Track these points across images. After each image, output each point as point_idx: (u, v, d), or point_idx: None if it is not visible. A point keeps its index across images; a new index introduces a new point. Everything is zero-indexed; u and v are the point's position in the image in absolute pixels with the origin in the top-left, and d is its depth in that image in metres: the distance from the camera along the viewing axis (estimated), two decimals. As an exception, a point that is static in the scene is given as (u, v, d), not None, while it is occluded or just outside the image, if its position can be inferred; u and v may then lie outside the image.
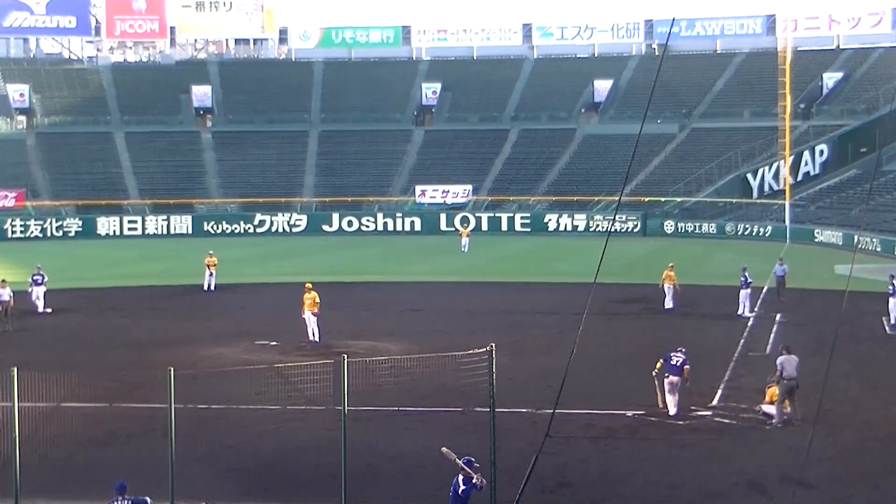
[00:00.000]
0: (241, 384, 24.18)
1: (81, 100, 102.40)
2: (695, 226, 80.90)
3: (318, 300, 34.53)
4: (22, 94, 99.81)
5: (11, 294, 38.47)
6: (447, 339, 33.03)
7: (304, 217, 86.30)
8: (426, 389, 24.98)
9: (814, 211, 77.66)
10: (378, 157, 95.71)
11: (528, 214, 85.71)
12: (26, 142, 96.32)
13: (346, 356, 17.85)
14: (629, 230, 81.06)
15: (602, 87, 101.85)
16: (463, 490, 15.24)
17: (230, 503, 18.35)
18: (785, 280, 44.04)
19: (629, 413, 24.29)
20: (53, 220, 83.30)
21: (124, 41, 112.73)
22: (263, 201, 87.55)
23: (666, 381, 24.11)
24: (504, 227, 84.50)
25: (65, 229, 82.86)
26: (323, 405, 22.09)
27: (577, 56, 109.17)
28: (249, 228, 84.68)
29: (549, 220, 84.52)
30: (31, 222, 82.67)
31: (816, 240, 70.85)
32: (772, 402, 23.77)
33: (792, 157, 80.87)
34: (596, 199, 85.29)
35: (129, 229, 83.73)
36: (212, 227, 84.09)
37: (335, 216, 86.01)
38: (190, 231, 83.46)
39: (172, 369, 17.00)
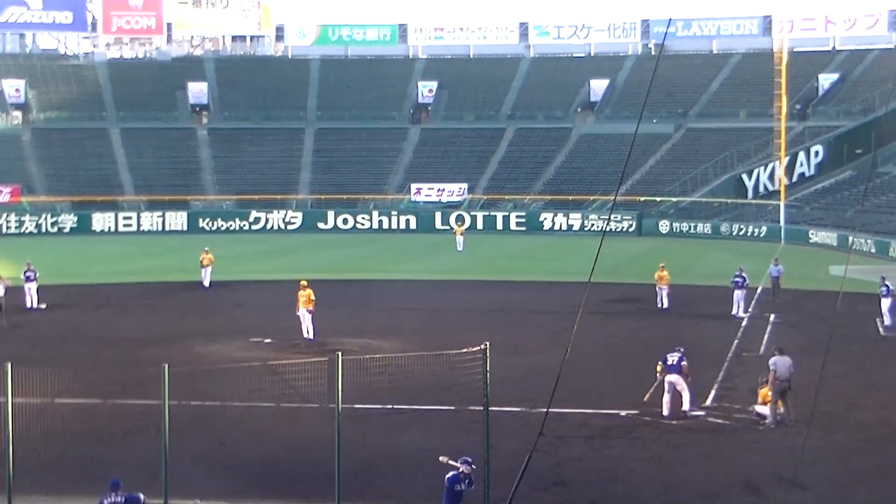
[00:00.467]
0: (236, 381, 24.16)
1: (77, 96, 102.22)
2: (690, 226, 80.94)
3: (313, 297, 34.56)
4: (18, 90, 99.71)
5: (6, 288, 38.47)
6: (442, 338, 33.03)
7: (300, 214, 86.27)
8: (421, 388, 24.98)
9: (809, 212, 77.76)
10: (374, 154, 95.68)
11: (524, 213, 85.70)
12: (22, 137, 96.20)
13: (340, 354, 17.87)
14: (624, 230, 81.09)
15: (598, 86, 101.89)
16: (458, 487, 15.37)
17: (224, 500, 18.35)
18: (779, 281, 44.12)
19: (623, 412, 24.31)
20: (48, 216, 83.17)
21: (121, 37, 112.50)
22: (259, 198, 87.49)
23: (665, 380, 24.10)
24: (499, 225, 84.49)
25: (60, 225, 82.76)
26: (317, 403, 22.08)
27: (574, 55, 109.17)
28: (245, 225, 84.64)
29: (545, 219, 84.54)
30: (26, 218, 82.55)
31: (811, 241, 70.92)
32: (765, 403, 23.81)
33: (787, 158, 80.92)
34: (591, 198, 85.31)
35: (125, 226, 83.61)
36: (207, 224, 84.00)
37: (330, 214, 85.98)
38: (185, 228, 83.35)
39: (167, 366, 17.01)
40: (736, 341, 34.20)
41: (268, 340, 34.03)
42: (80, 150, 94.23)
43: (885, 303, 37.68)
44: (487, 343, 17.98)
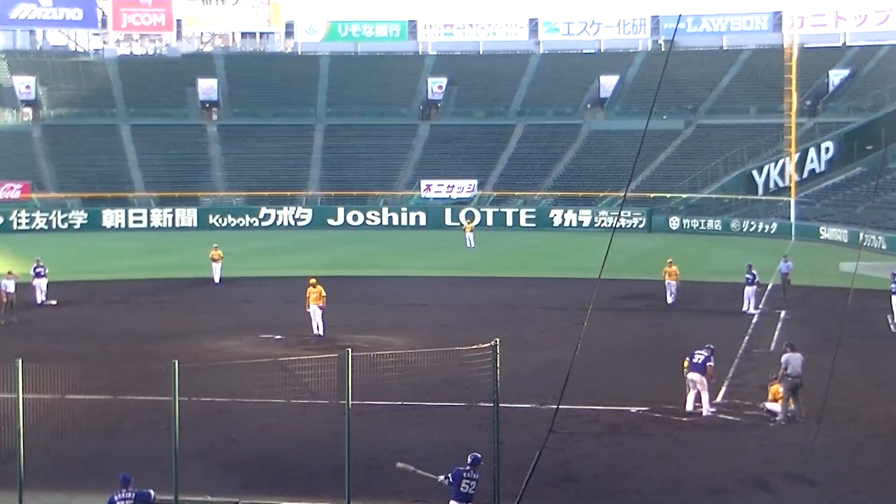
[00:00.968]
0: (246, 377, 24.18)
1: (87, 92, 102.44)
2: (700, 222, 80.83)
3: (324, 293, 34.53)
4: (28, 87, 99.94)
5: (16, 284, 38.54)
6: (451, 334, 33.05)
7: (310, 211, 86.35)
8: (430, 384, 24.96)
9: (819, 208, 77.58)
10: (383, 151, 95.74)
11: (534, 210, 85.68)
12: (32, 134, 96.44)
13: (350, 350, 17.86)
14: (634, 226, 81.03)
15: (608, 82, 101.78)
16: (466, 484, 15.42)
17: (234, 496, 18.35)
18: (790, 277, 44.01)
19: (633, 409, 24.28)
20: (59, 213, 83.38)
21: (131, 34, 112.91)
22: (269, 195, 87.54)
23: (688, 378, 24.03)
24: (509, 222, 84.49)
25: (70, 222, 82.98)
26: (327, 399, 22.07)
27: (583, 52, 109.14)
28: (254, 222, 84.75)
29: (554, 215, 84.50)
30: (37, 214, 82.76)
31: (822, 237, 70.76)
32: (775, 400, 23.74)
33: (798, 154, 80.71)
34: (601, 194, 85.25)
35: (135, 222, 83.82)
36: (217, 221, 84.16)
37: (340, 210, 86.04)
38: (195, 224, 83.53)
39: (177, 362, 17.02)
40: (746, 338, 34.10)
41: (277, 337, 34.04)
42: (91, 146, 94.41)
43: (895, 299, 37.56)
44: (497, 339, 17.95)
